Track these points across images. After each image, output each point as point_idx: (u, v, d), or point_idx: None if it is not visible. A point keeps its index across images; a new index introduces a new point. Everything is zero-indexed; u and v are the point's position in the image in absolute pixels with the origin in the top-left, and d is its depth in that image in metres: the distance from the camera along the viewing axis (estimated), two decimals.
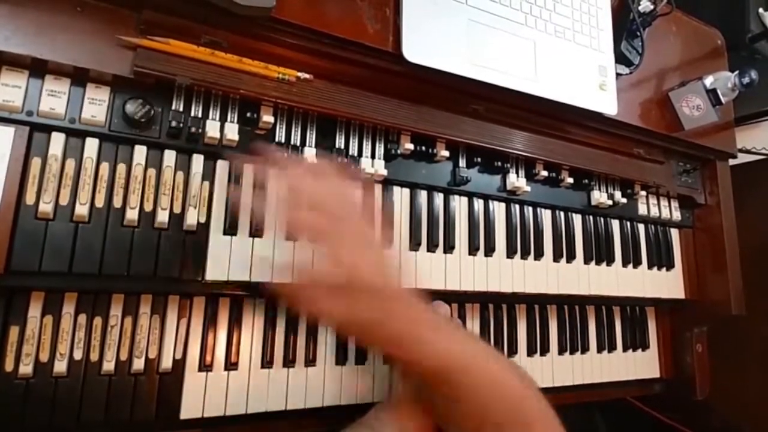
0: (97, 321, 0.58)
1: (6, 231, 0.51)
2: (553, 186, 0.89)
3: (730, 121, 1.04)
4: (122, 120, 0.58)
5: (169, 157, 0.61)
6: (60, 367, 0.55)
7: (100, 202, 0.57)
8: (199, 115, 0.62)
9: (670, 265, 1.02)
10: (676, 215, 1.04)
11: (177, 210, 0.60)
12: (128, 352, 0.59)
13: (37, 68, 0.55)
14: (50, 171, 0.55)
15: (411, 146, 0.74)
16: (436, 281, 0.75)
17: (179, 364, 0.61)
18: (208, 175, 0.63)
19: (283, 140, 0.67)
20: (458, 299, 0.81)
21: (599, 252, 0.93)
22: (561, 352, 0.90)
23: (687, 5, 1.01)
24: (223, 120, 0.63)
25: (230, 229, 0.63)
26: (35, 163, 0.54)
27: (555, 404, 0.51)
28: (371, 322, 0.49)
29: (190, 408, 0.61)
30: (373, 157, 0.73)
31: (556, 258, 0.88)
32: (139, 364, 0.59)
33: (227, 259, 0.62)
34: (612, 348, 0.97)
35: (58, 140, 0.56)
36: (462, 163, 0.80)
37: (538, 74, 0.78)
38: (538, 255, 0.87)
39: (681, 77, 0.99)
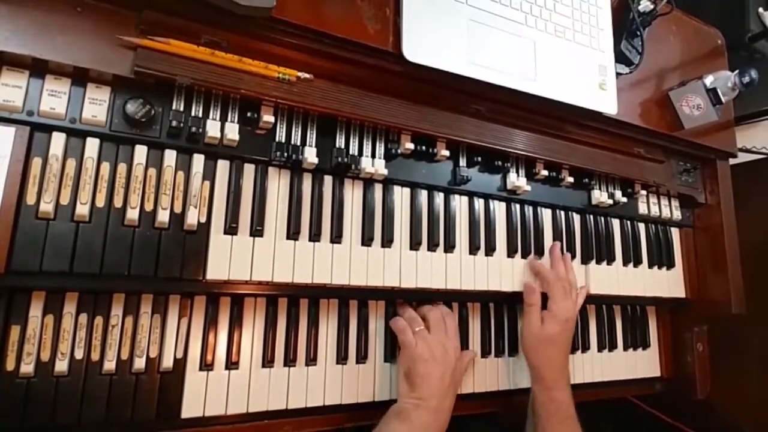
0: (98, 320, 0.58)
1: (7, 231, 0.52)
2: (554, 185, 0.89)
3: (730, 120, 1.04)
4: (123, 120, 0.58)
5: (170, 156, 0.61)
6: (61, 366, 0.55)
7: (100, 202, 0.57)
8: (200, 115, 0.62)
9: (670, 265, 1.02)
10: (677, 214, 1.04)
11: (177, 210, 0.60)
12: (129, 351, 0.59)
13: (38, 68, 0.55)
14: (51, 171, 0.55)
15: (411, 146, 0.74)
16: (437, 281, 0.75)
17: (180, 364, 0.61)
18: (209, 174, 0.63)
19: (283, 140, 0.67)
20: (459, 299, 0.82)
21: (600, 251, 0.93)
22: None
23: (687, 5, 1.01)
24: (223, 120, 0.64)
25: (231, 228, 0.63)
26: (36, 163, 0.54)
27: None
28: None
29: (191, 407, 0.61)
30: (373, 156, 0.73)
31: None
32: (140, 363, 0.59)
33: (228, 259, 0.62)
34: (612, 347, 0.97)
35: (58, 140, 0.56)
36: (462, 162, 0.80)
37: (538, 74, 0.78)
38: (539, 255, 0.87)
39: (681, 77, 0.99)
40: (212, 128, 0.62)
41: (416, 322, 0.73)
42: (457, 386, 0.74)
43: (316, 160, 0.68)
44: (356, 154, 0.72)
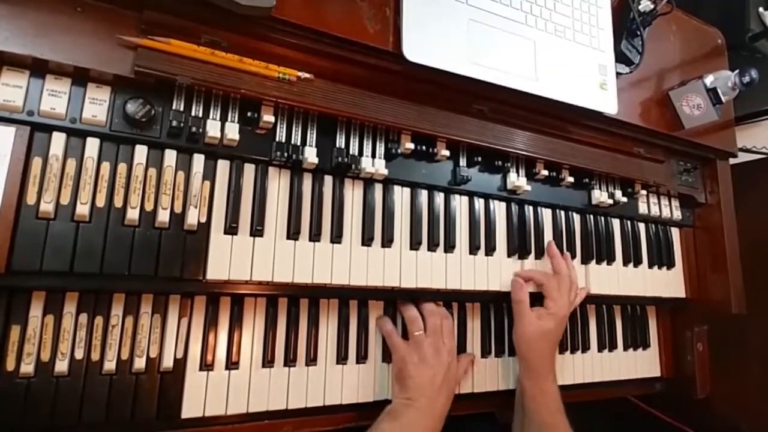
0: (98, 320, 0.58)
1: (7, 231, 0.51)
2: (554, 185, 0.89)
3: (730, 120, 1.04)
4: (123, 120, 0.58)
5: (170, 156, 0.61)
6: (61, 366, 0.55)
7: (101, 202, 0.57)
8: (200, 115, 0.62)
9: (670, 264, 1.02)
10: (677, 214, 1.04)
11: (178, 210, 0.60)
12: (129, 351, 0.59)
13: (38, 68, 0.55)
14: (51, 171, 0.55)
15: (411, 146, 0.74)
16: (437, 281, 0.75)
17: (180, 364, 0.61)
18: (209, 174, 0.63)
19: (283, 140, 0.67)
20: (459, 299, 0.82)
21: (600, 251, 0.93)
22: (561, 351, 0.90)
23: (687, 4, 1.01)
24: (223, 120, 0.63)
25: (231, 228, 0.63)
26: (36, 162, 0.54)
27: None
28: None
29: (191, 407, 0.61)
30: (373, 156, 0.73)
31: None
32: (140, 363, 0.59)
33: (228, 259, 0.62)
34: (612, 347, 0.97)
35: (59, 140, 0.56)
36: (462, 162, 0.80)
37: (538, 73, 0.78)
38: (539, 254, 0.87)
39: (681, 76, 0.99)
40: (212, 128, 0.62)
41: (417, 324, 0.74)
42: (453, 387, 0.74)
43: (316, 160, 0.68)
44: (356, 153, 0.72)
